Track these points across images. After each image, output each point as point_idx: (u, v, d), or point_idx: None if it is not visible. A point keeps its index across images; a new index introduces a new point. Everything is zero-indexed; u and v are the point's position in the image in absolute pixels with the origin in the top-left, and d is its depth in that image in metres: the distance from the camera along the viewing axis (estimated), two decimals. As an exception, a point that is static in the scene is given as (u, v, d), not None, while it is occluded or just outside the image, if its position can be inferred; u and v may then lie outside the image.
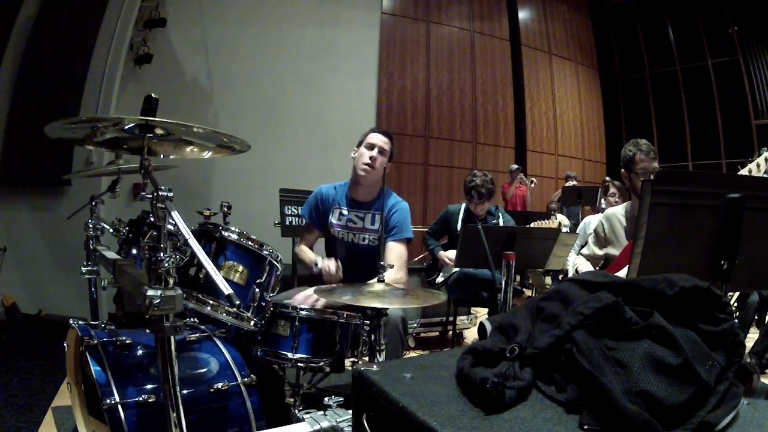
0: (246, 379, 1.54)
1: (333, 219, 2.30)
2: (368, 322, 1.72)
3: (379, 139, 2.22)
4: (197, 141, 1.38)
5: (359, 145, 2.26)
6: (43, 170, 3.88)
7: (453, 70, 7.61)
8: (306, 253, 2.29)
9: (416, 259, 4.85)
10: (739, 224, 1.25)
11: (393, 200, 2.28)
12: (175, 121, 1.16)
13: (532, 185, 7.15)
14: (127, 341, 1.46)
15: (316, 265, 2.13)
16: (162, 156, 1.42)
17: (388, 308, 1.87)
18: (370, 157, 2.17)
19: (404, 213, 2.25)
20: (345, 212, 2.28)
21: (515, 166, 7.30)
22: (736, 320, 1.09)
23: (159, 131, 1.21)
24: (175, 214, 1.09)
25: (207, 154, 1.49)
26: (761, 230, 1.30)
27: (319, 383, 2.05)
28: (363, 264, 2.14)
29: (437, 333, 3.86)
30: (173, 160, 1.54)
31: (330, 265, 2.05)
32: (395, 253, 2.18)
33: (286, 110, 5.71)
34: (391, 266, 1.73)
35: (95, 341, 1.40)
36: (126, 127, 1.20)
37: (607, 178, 4.40)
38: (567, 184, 6.79)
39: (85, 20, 4.07)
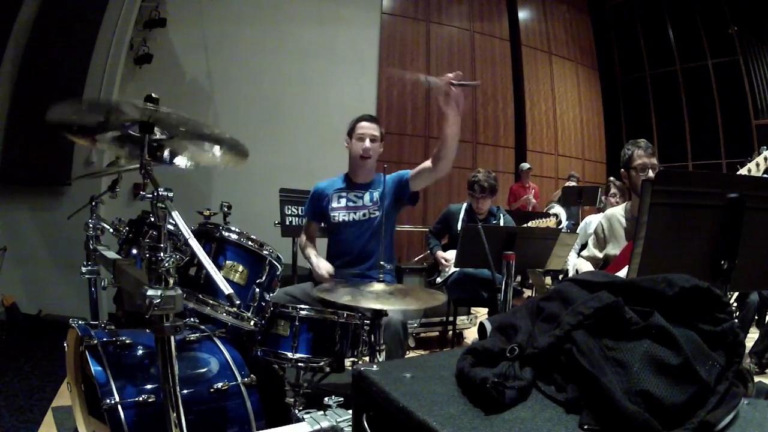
0: (246, 379, 1.54)
1: (333, 203, 2.35)
2: (368, 321, 1.72)
3: (367, 128, 2.32)
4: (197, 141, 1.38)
5: (349, 133, 2.36)
6: (43, 170, 3.88)
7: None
8: (308, 248, 2.38)
9: (416, 259, 4.85)
10: (739, 224, 1.25)
11: (389, 176, 2.32)
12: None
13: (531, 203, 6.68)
14: (127, 341, 1.46)
15: (309, 259, 2.28)
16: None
17: (387, 310, 1.88)
18: (364, 149, 2.29)
19: (397, 173, 2.32)
20: (344, 194, 2.36)
21: (527, 166, 6.93)
22: (736, 320, 1.09)
23: (159, 134, 1.21)
24: (175, 214, 1.09)
25: (207, 154, 1.49)
26: (761, 230, 1.30)
27: (319, 383, 2.05)
28: (362, 242, 2.28)
29: (437, 333, 3.86)
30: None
31: (321, 265, 2.18)
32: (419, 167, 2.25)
33: (286, 110, 5.70)
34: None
35: (95, 341, 1.40)
36: (126, 127, 1.20)
37: (611, 179, 4.33)
38: (567, 184, 6.72)
39: (85, 20, 4.07)
